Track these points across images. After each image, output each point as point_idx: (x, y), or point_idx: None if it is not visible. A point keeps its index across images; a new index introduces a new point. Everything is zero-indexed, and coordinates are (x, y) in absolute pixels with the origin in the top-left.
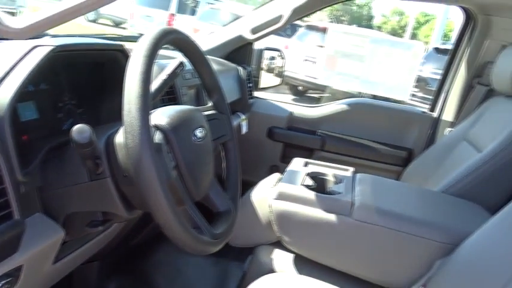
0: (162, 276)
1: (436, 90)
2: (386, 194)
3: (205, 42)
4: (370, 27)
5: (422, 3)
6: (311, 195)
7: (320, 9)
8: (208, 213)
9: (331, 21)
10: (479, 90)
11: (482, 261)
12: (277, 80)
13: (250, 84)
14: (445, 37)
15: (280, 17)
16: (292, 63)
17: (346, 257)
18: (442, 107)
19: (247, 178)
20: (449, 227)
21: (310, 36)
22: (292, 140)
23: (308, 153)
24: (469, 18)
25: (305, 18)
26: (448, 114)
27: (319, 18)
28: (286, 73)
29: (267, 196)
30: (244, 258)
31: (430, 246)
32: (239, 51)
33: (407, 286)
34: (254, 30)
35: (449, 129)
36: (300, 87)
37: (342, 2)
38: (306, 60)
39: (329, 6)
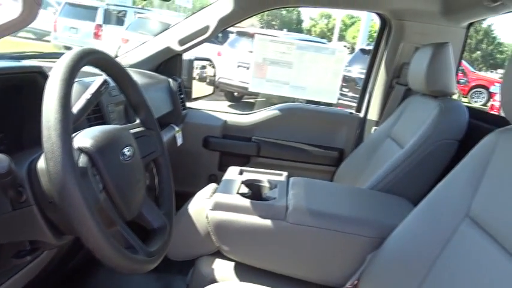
0: None
1: (361, 92)
2: (319, 195)
3: (133, 55)
4: (300, 30)
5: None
6: (247, 203)
7: (246, 19)
8: (143, 231)
9: (262, 27)
10: (399, 90)
11: (408, 250)
12: (209, 89)
13: (182, 96)
14: (370, 38)
15: (207, 28)
16: (226, 69)
17: (285, 260)
18: (367, 107)
19: (186, 189)
20: (377, 222)
21: (241, 42)
22: (228, 148)
23: (245, 160)
24: (385, 23)
25: (237, 24)
26: (373, 114)
27: (251, 23)
28: (221, 80)
29: (204, 207)
30: (187, 271)
31: (361, 242)
32: (168, 63)
33: (344, 282)
34: (182, 42)
35: (375, 128)
36: (236, 93)
37: (266, 11)
38: (239, 66)
39: (254, 15)
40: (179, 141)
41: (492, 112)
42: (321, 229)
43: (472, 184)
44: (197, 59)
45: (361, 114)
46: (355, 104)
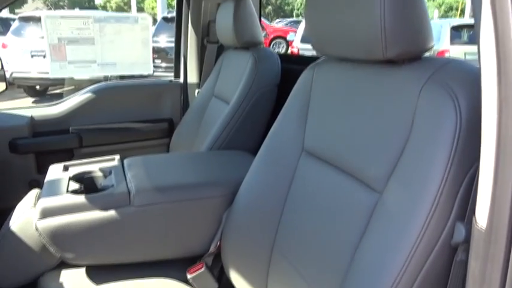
0: None
1: (175, 57)
2: (159, 169)
3: None
4: (94, 7)
5: None
6: (81, 199)
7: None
8: None
9: (50, 8)
10: (211, 48)
11: (258, 198)
12: (1, 86)
13: None
14: (170, 6)
15: None
16: (19, 62)
17: (142, 247)
18: (185, 71)
19: (3, 206)
20: (224, 179)
21: (28, 29)
22: (43, 147)
23: (68, 155)
24: None
25: (16, 10)
26: (193, 77)
27: (35, 7)
28: (15, 75)
29: (30, 218)
30: None
31: (213, 204)
32: None
33: (207, 247)
34: None
35: (198, 90)
36: (38, 87)
37: None
38: (33, 55)
39: None
40: None
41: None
42: (171, 203)
43: (301, 121)
44: None
45: (181, 80)
46: (171, 74)
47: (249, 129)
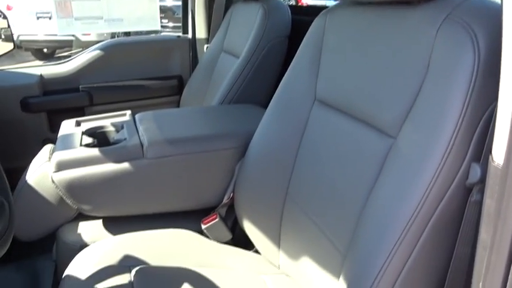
0: None
1: (182, 12)
2: (171, 123)
3: None
4: None
5: None
6: (95, 152)
7: None
8: None
9: None
10: (220, 2)
11: (271, 149)
12: (8, 46)
13: None
14: None
15: None
16: (25, 24)
17: (154, 199)
18: (193, 27)
19: (19, 165)
20: (236, 131)
21: None
22: (54, 105)
23: (79, 113)
24: None
25: None
26: (201, 32)
27: None
28: (22, 38)
29: (46, 172)
30: (50, 247)
31: (225, 155)
32: None
33: (220, 199)
34: None
35: (207, 46)
36: (45, 49)
37: None
38: (39, 17)
39: None
40: None
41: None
42: (183, 155)
43: (313, 70)
44: None
45: (189, 36)
46: (180, 33)
47: (260, 83)
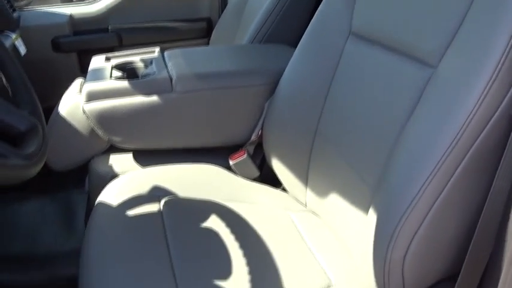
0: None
1: None
2: (200, 59)
3: None
4: None
5: None
6: (124, 84)
7: None
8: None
9: None
10: None
11: (302, 86)
12: None
13: None
14: None
15: None
16: None
17: (183, 134)
18: None
19: (51, 103)
20: (266, 68)
21: None
22: (84, 45)
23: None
24: None
25: None
26: None
27: None
28: None
29: (77, 103)
30: (83, 179)
31: (255, 92)
32: None
33: (247, 137)
34: None
35: None
36: None
37: None
38: None
39: None
40: (22, 50)
41: None
42: (212, 90)
43: (348, 1)
44: None
45: None
46: None
47: (291, 22)
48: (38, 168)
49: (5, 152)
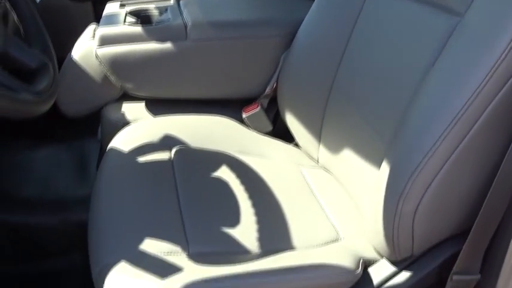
0: (12, 185)
1: None
2: (216, 8)
3: None
4: None
5: None
6: (138, 29)
7: None
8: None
9: None
10: None
11: (320, 37)
12: None
13: None
14: None
15: None
16: None
17: (196, 84)
18: None
19: (65, 54)
20: (284, 19)
21: None
22: None
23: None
24: None
25: None
26: None
27: None
28: None
29: (90, 47)
30: (96, 128)
31: (271, 43)
32: None
33: (262, 89)
34: None
35: None
36: None
37: None
38: None
39: None
40: None
41: None
42: (227, 39)
43: None
44: None
45: None
46: None
47: None
48: (48, 105)
49: (16, 87)
